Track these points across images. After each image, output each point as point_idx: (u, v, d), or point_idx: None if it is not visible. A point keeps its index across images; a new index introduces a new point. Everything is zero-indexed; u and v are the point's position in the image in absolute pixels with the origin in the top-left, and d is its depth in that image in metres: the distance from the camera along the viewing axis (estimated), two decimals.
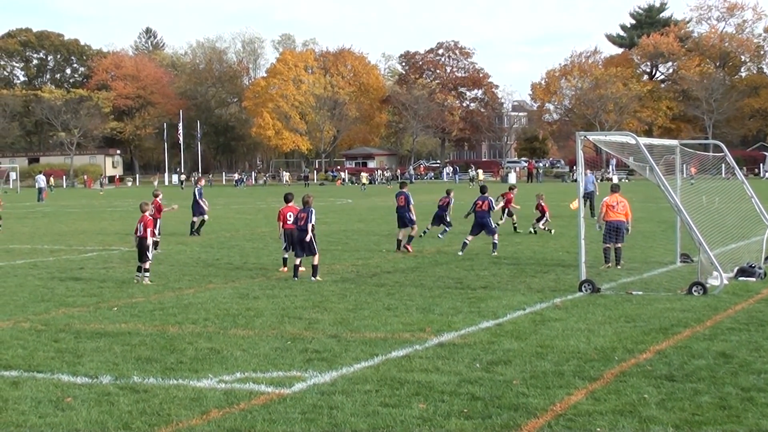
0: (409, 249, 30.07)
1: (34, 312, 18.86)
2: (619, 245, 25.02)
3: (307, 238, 23.35)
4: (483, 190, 30.23)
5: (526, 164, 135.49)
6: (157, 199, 32.12)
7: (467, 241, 29.26)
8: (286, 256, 25.41)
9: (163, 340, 15.51)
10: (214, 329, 16.57)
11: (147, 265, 23.35)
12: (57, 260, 28.99)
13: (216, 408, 11.29)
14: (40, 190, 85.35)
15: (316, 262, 23.56)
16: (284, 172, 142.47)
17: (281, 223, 25.23)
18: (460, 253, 28.75)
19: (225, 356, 14.18)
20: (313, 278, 23.23)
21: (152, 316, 18.19)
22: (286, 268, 25.19)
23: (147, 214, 23.80)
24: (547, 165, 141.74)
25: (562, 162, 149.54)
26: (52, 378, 12.94)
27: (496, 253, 28.54)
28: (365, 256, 29.26)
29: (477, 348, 14.49)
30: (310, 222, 23.45)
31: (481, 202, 29.47)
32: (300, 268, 24.19)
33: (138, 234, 23.70)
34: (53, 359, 14.16)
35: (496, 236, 29.24)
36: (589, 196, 42.31)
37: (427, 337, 15.42)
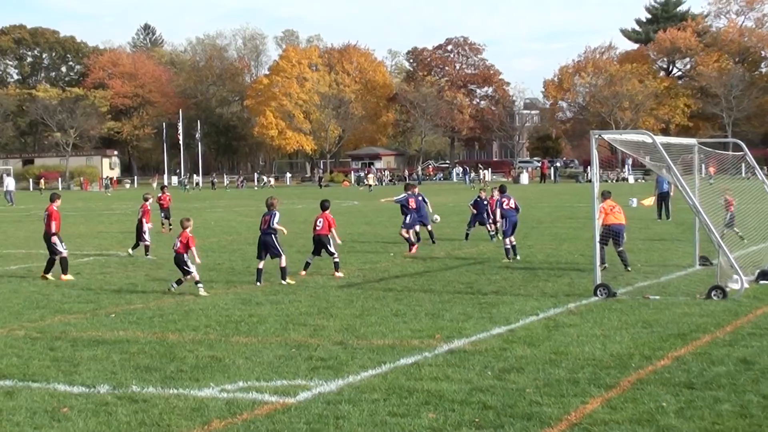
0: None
1: (29, 319, 18.88)
2: (621, 249, 24.94)
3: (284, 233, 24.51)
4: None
5: (539, 164, 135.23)
6: (147, 203, 32.53)
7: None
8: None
9: (163, 348, 15.51)
10: (216, 336, 16.57)
11: (197, 277, 22.30)
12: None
13: (218, 418, 11.29)
14: (6, 193, 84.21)
15: (283, 264, 23.69)
16: (267, 177, 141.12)
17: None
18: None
19: (227, 364, 14.18)
20: (283, 281, 23.37)
21: (151, 323, 18.19)
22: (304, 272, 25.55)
23: (188, 231, 23.03)
24: (560, 165, 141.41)
25: (576, 162, 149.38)
26: (48, 388, 12.94)
27: None
28: (372, 259, 29.24)
29: (488, 355, 14.48)
30: (273, 225, 23.83)
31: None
32: (302, 273, 25.20)
33: (174, 248, 22.69)
34: (49, 368, 14.17)
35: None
36: (663, 197, 42.64)
37: (437, 344, 15.41)
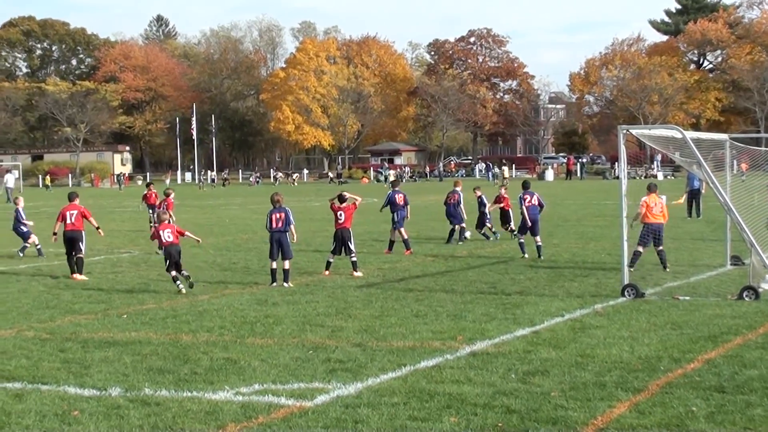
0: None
1: (38, 320, 18.96)
2: (661, 248, 24.92)
3: (293, 239, 24.40)
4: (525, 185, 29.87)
5: (565, 160, 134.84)
6: (170, 198, 32.82)
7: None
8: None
9: (176, 350, 15.56)
10: (231, 338, 16.61)
11: (185, 273, 22.75)
12: (62, 264, 29.07)
13: (233, 422, 11.32)
14: (7, 190, 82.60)
15: (287, 266, 23.59)
16: (278, 172, 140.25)
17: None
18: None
19: (242, 367, 14.21)
20: (285, 284, 23.24)
21: (164, 323, 18.25)
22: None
23: (167, 221, 23.42)
24: (587, 161, 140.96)
25: (603, 158, 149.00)
26: (58, 390, 13.00)
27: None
28: (392, 259, 29.26)
29: (512, 357, 14.47)
30: (291, 222, 23.96)
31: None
32: (325, 273, 25.35)
33: (167, 241, 22.93)
34: (59, 370, 14.23)
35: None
36: (694, 195, 42.59)
37: (459, 346, 15.41)
